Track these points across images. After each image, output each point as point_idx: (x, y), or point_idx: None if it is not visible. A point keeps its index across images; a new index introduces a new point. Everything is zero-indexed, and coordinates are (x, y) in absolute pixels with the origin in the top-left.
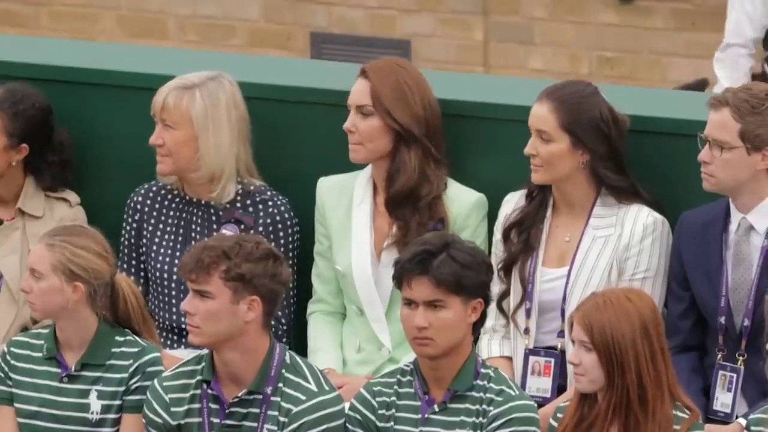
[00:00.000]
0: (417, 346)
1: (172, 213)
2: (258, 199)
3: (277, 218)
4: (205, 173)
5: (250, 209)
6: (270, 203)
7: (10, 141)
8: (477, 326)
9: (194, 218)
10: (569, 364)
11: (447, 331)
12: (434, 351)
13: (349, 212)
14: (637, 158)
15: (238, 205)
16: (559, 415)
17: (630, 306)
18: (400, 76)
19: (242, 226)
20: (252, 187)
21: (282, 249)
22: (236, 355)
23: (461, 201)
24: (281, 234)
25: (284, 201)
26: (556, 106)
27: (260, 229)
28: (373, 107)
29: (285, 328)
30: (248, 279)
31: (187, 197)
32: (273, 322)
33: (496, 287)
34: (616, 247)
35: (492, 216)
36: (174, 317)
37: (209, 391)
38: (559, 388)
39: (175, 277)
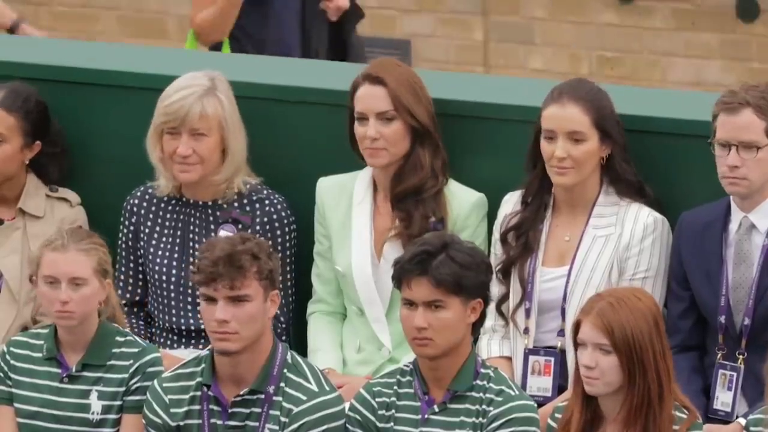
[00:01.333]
0: (416, 346)
1: (168, 215)
2: (255, 198)
3: (274, 217)
4: (227, 173)
5: (247, 208)
6: (266, 202)
7: (24, 140)
8: (477, 326)
9: (192, 219)
10: (582, 367)
11: (446, 331)
12: (434, 351)
13: (348, 212)
14: (637, 158)
15: (235, 204)
16: (557, 415)
17: (641, 304)
18: (407, 75)
19: (240, 226)
20: (248, 186)
21: (279, 247)
22: (249, 355)
23: (461, 201)
24: (278, 232)
25: (281, 199)
26: (585, 105)
27: (257, 228)
28: (396, 111)
29: (284, 326)
30: (273, 274)
31: (184, 198)
32: (273, 321)
33: (495, 288)
34: (616, 247)
35: (492, 216)
36: (173, 318)
37: (209, 393)
38: (560, 388)
39: (173, 278)
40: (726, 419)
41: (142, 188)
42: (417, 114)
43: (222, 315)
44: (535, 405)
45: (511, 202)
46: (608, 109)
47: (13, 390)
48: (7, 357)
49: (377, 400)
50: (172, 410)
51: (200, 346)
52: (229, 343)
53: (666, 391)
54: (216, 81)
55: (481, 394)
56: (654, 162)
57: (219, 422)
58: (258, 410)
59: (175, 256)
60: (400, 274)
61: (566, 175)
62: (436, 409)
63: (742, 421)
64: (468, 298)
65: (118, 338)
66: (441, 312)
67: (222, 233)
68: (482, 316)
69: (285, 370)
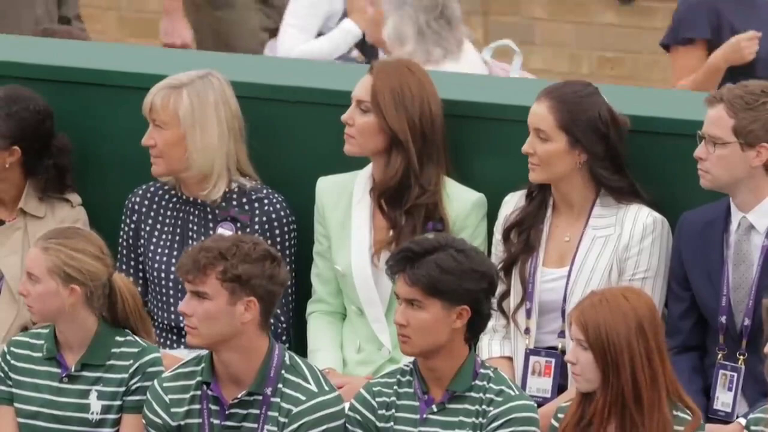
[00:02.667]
0: (399, 342)
1: (169, 213)
2: (254, 197)
3: (273, 216)
4: (195, 172)
5: (246, 207)
6: (266, 201)
7: (2, 142)
8: (476, 331)
9: (191, 217)
10: (567, 362)
11: (424, 332)
12: (411, 350)
13: (348, 212)
14: (637, 158)
15: (234, 203)
16: (560, 416)
17: (626, 304)
18: (404, 79)
19: (238, 225)
20: (248, 186)
21: (278, 247)
22: (235, 356)
23: (461, 201)
24: (277, 232)
25: (280, 199)
26: (554, 105)
27: (256, 227)
28: (371, 104)
29: (284, 326)
30: (245, 280)
31: (184, 196)
32: (272, 320)
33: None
34: (615, 247)
35: (492, 216)
36: (172, 317)
37: (209, 392)
38: (560, 388)
39: (172, 276)
40: (726, 419)
41: (144, 186)
42: (389, 119)
43: (183, 306)
44: (535, 405)
45: (511, 203)
46: (586, 116)
47: (14, 390)
48: (8, 357)
49: (377, 399)
50: (173, 410)
51: None
52: (190, 336)
53: (647, 395)
54: (198, 79)
55: (481, 395)
56: (654, 162)
57: (216, 422)
58: (256, 412)
59: (174, 254)
60: (389, 267)
61: (534, 171)
62: (435, 409)
63: (743, 421)
64: (451, 304)
65: (118, 338)
66: (419, 312)
67: (220, 231)
68: (481, 322)
69: (283, 371)
